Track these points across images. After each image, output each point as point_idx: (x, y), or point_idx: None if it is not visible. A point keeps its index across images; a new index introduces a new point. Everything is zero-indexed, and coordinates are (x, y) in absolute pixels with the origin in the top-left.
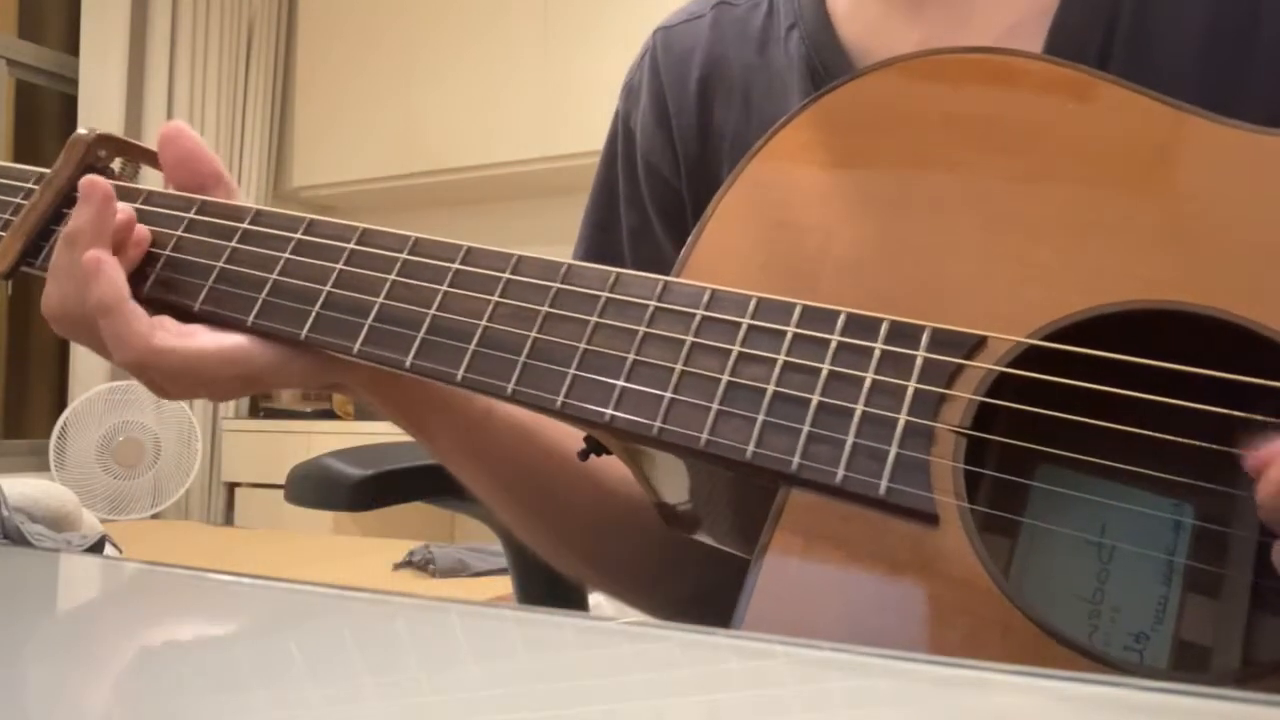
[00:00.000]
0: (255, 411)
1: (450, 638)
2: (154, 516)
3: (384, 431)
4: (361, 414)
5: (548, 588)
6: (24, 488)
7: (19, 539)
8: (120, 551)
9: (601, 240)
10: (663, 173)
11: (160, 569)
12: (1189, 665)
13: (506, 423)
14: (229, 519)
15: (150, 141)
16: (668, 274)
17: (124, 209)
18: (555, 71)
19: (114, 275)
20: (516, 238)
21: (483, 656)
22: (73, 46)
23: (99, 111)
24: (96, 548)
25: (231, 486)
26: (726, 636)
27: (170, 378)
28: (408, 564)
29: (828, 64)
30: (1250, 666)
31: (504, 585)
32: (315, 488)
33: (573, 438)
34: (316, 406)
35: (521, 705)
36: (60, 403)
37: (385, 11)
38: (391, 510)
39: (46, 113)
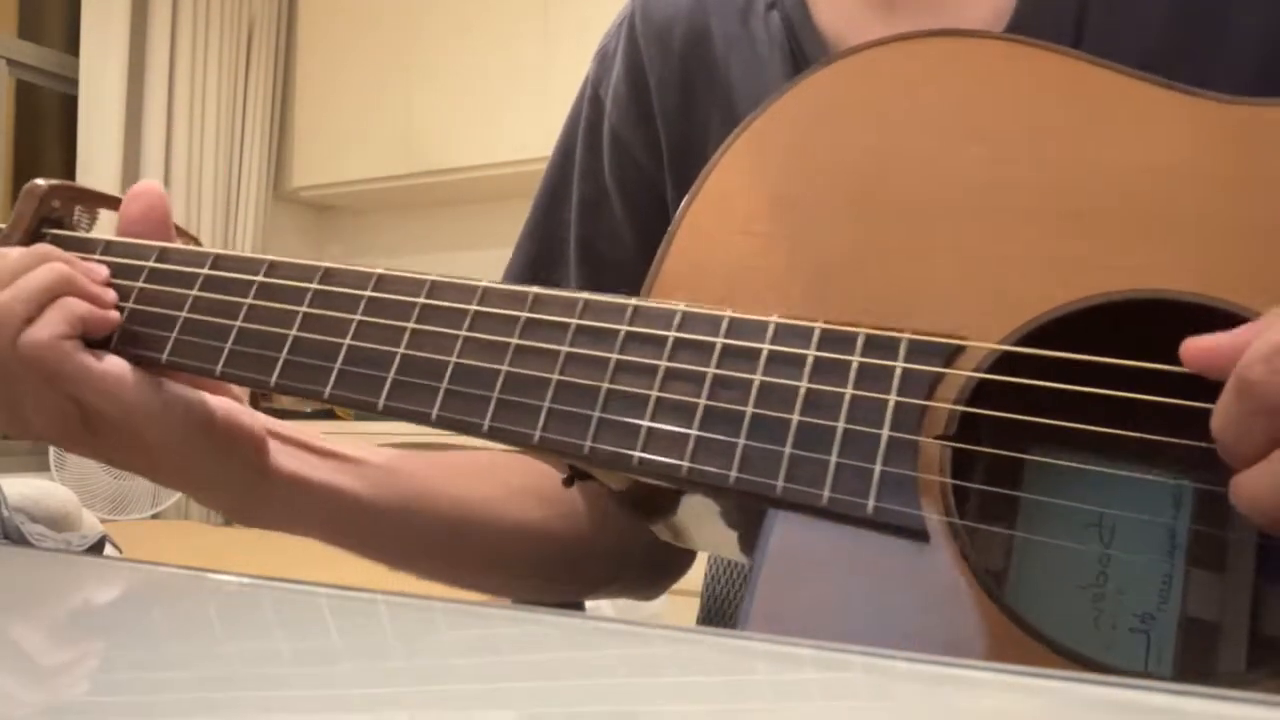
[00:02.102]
0: None
1: (453, 636)
2: (154, 516)
3: (383, 431)
4: (360, 415)
5: None
6: (24, 488)
7: (19, 539)
8: (120, 551)
9: (548, 211)
10: (631, 150)
11: (160, 569)
12: (1197, 642)
13: (385, 504)
14: (229, 519)
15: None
16: (621, 250)
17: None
18: (555, 71)
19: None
20: (516, 238)
21: (486, 654)
22: (73, 46)
23: (99, 111)
24: (96, 548)
25: None
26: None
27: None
28: None
29: (806, 48)
30: (1257, 641)
31: None
32: None
33: (461, 502)
34: (316, 407)
35: (534, 702)
36: None
37: (385, 12)
38: None
39: (46, 113)
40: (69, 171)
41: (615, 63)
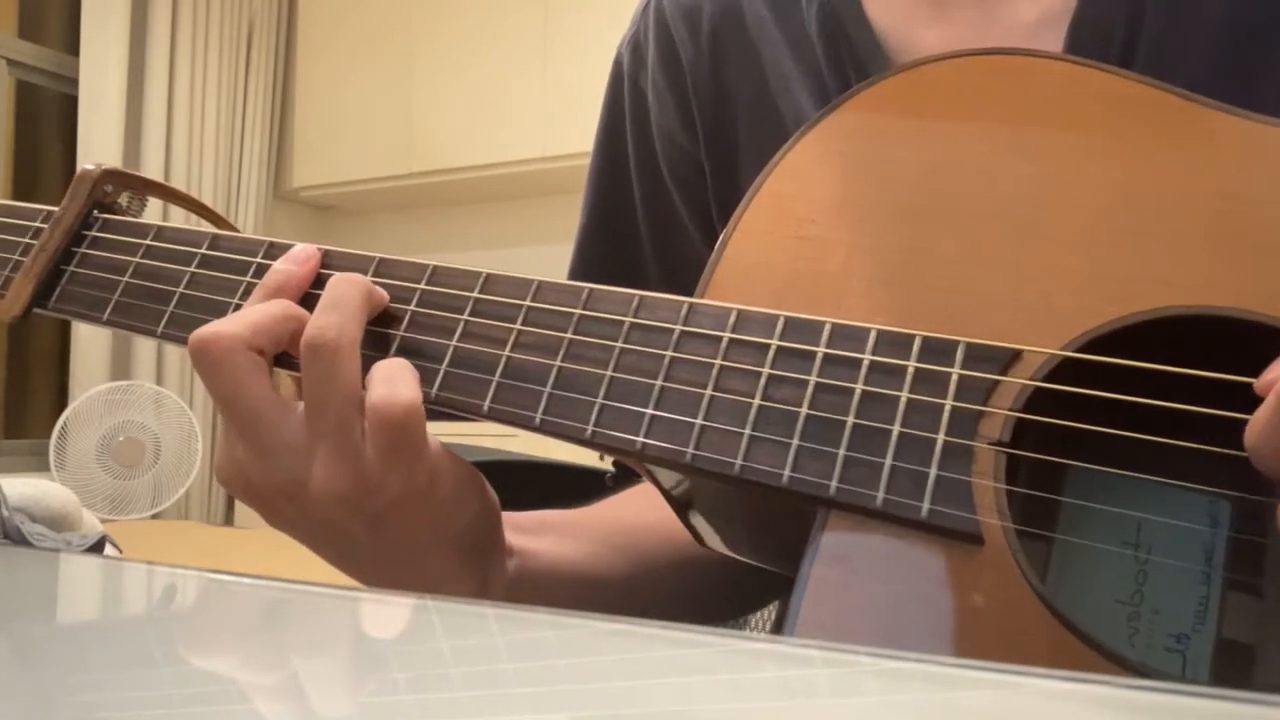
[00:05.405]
0: None
1: (453, 635)
2: (154, 516)
3: None
4: None
5: None
6: (24, 488)
7: (19, 539)
8: (120, 551)
9: (609, 213)
10: (678, 138)
11: (160, 569)
12: (1233, 664)
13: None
14: (229, 519)
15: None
16: (690, 244)
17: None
18: (555, 71)
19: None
20: (516, 238)
21: (488, 652)
22: (73, 46)
23: (99, 111)
24: (96, 548)
25: None
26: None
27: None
28: None
29: (854, 39)
30: None
31: None
32: None
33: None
34: None
35: (546, 702)
36: (60, 403)
37: (385, 12)
38: None
39: (46, 113)
40: (69, 171)
41: (649, 51)
